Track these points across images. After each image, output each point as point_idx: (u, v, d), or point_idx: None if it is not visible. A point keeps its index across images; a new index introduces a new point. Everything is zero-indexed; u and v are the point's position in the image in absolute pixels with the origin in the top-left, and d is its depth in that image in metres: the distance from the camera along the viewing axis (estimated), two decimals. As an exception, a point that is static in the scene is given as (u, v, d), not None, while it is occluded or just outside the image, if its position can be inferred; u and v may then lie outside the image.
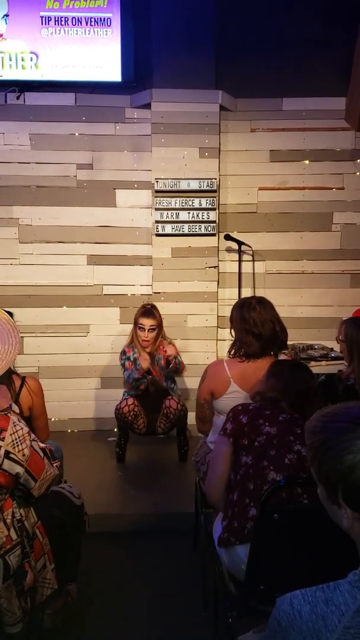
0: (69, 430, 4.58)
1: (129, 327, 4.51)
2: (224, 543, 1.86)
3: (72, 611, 2.28)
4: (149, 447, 4.25)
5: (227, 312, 3.88)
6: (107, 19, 4.38)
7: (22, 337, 4.49)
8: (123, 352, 3.98)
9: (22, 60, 4.39)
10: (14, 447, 1.63)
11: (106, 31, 4.40)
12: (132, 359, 3.91)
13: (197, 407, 2.66)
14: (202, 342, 4.58)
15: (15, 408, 1.81)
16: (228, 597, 1.86)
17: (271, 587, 1.69)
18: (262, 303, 2.51)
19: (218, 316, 4.59)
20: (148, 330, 3.88)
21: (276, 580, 1.68)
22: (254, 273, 4.65)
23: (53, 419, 4.12)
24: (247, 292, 4.52)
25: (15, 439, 1.64)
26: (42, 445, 1.83)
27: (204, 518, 2.47)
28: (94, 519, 2.44)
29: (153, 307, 4.01)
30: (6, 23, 4.35)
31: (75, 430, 4.60)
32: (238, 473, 1.91)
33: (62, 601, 2.18)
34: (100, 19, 4.38)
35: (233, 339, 2.57)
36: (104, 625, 2.36)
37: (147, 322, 3.88)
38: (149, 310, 3.94)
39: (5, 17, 4.35)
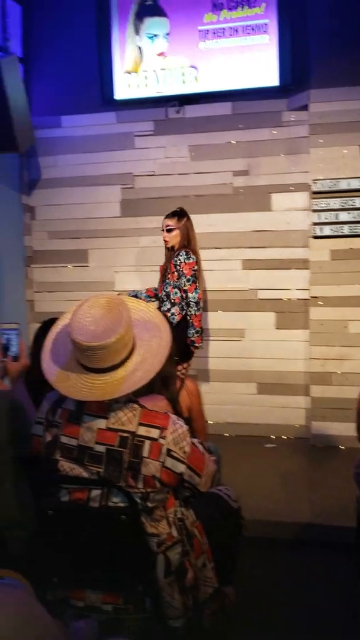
0: (226, 434, 4.63)
1: (285, 333, 4.48)
2: None
3: (229, 613, 2.29)
4: (310, 457, 4.15)
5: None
6: (264, 25, 4.38)
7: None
8: None
9: (182, 74, 4.56)
10: (175, 445, 1.68)
11: (262, 37, 4.40)
12: None
13: (357, 416, 2.54)
14: (363, 349, 4.37)
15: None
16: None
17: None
18: None
19: (381, 322, 4.34)
20: (165, 230, 4.06)
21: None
22: None
23: (210, 422, 4.20)
24: None
25: (176, 437, 1.68)
26: (199, 440, 1.86)
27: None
28: (250, 524, 2.44)
29: (181, 211, 4.14)
30: (167, 41, 4.56)
31: (233, 435, 4.63)
32: None
33: (220, 603, 2.20)
34: (257, 25, 4.40)
35: None
36: (259, 631, 2.34)
37: (164, 222, 4.10)
38: (172, 212, 4.12)
39: (166, 35, 4.56)
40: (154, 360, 1.69)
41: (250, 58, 4.44)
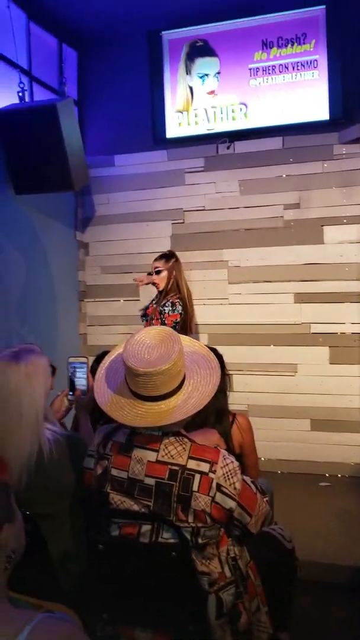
0: (279, 472, 4.51)
1: (340, 368, 4.38)
2: None
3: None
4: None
5: None
6: (314, 61, 4.43)
7: (232, 374, 4.58)
8: None
9: (232, 111, 4.65)
10: (226, 480, 1.64)
11: (313, 73, 4.45)
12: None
13: None
14: None
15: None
16: None
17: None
18: None
19: None
20: (155, 273, 4.17)
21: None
22: None
23: (262, 459, 4.11)
24: None
25: (226, 472, 1.65)
26: (251, 479, 1.82)
27: None
28: (304, 566, 2.34)
29: (170, 253, 4.26)
30: (218, 80, 4.67)
31: (286, 472, 4.51)
32: None
33: (274, 648, 2.11)
34: (307, 62, 4.45)
35: None
36: None
37: (153, 264, 4.20)
38: (161, 254, 4.24)
39: (217, 74, 4.67)
40: (206, 389, 1.69)
41: (300, 94, 4.48)
